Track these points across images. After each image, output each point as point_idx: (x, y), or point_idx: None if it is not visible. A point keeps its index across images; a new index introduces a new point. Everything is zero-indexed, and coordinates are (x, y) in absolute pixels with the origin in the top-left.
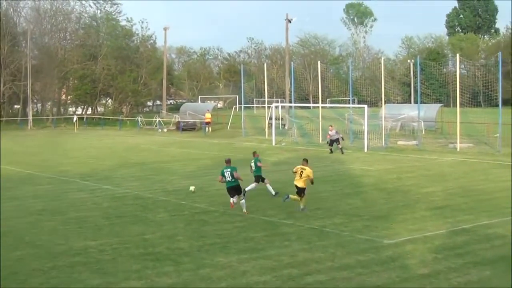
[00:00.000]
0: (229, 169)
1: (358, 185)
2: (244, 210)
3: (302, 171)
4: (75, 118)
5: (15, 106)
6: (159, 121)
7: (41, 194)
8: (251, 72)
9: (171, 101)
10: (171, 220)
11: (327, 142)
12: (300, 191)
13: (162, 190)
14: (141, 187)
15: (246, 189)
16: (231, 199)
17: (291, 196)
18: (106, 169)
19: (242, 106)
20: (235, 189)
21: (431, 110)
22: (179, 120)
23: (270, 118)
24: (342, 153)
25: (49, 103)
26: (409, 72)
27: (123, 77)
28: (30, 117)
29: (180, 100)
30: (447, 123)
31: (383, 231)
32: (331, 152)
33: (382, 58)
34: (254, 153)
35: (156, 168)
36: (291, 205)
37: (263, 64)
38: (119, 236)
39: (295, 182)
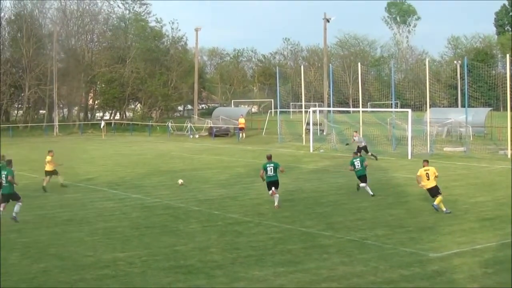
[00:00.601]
0: (272, 164)
1: (401, 195)
2: (276, 203)
3: (427, 173)
4: (102, 123)
5: (41, 111)
6: (190, 126)
7: (68, 203)
8: (287, 74)
9: (202, 105)
10: (203, 231)
11: (346, 143)
12: (434, 192)
13: (194, 199)
14: (172, 196)
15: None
16: (270, 191)
17: (437, 204)
18: (135, 178)
19: (278, 110)
20: (274, 183)
21: (480, 114)
22: (212, 125)
23: (308, 123)
24: (376, 159)
25: (76, 108)
26: (456, 74)
27: (153, 80)
28: (56, 123)
29: (212, 105)
30: (497, 128)
31: (428, 243)
32: (376, 159)
33: (427, 59)
34: (269, 156)
35: (188, 176)
36: (330, 215)
37: (300, 66)
38: (148, 248)
39: (425, 187)
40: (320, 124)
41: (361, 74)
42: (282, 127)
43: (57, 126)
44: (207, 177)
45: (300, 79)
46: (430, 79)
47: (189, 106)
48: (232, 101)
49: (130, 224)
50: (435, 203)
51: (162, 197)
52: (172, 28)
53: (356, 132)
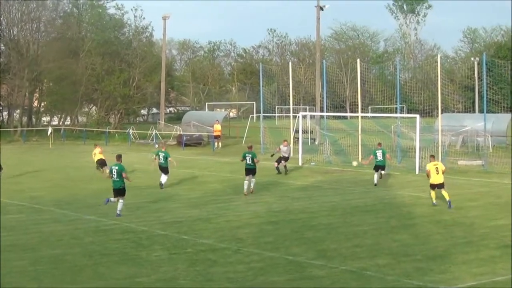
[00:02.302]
0: (250, 154)
1: (407, 217)
2: (252, 186)
3: (437, 167)
4: (50, 130)
5: None
6: (155, 134)
7: (9, 225)
8: (273, 72)
9: (171, 109)
10: (170, 260)
11: (272, 154)
12: (441, 187)
13: (159, 221)
14: (132, 217)
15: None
16: (245, 181)
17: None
18: (88, 195)
19: (261, 115)
20: (251, 171)
21: (501, 121)
22: (181, 133)
23: (296, 131)
24: (286, 173)
25: (18, 111)
26: (473, 73)
27: (111, 78)
28: None
29: (183, 108)
30: None
31: (439, 275)
32: (279, 172)
33: (439, 55)
34: (250, 146)
35: (152, 194)
36: (322, 240)
37: (288, 63)
38: (104, 279)
39: (433, 181)
40: (311, 132)
41: (360, 73)
42: (265, 135)
43: None
44: (175, 195)
45: (288, 78)
46: (442, 79)
47: (155, 110)
48: (206, 104)
49: (82, 251)
50: (447, 199)
51: (121, 219)
52: (135, 16)
53: (286, 141)
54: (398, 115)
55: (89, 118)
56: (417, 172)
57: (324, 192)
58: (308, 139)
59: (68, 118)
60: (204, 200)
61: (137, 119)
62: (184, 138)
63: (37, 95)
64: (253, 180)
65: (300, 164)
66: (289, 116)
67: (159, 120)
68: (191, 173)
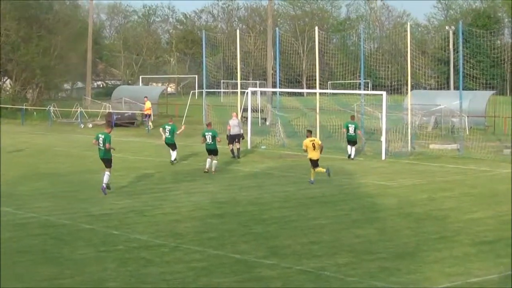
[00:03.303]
0: (210, 132)
1: (372, 209)
2: (213, 169)
3: (314, 144)
4: None
5: None
6: (81, 112)
7: None
8: (218, 41)
9: (99, 82)
10: (97, 259)
11: (226, 136)
12: (316, 164)
13: (85, 214)
14: (54, 209)
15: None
16: (208, 158)
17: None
18: (4, 183)
19: (204, 91)
20: (212, 151)
21: (479, 99)
22: (111, 111)
23: (245, 110)
24: (238, 157)
25: None
26: (448, 45)
27: (29, 47)
28: None
29: (113, 82)
30: (503, 118)
31: (407, 275)
32: (234, 156)
33: (408, 24)
34: (208, 124)
35: (77, 182)
36: (273, 236)
37: (235, 31)
38: (22, 281)
39: (310, 156)
40: (262, 111)
41: (318, 43)
42: (209, 114)
43: None
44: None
45: (235, 48)
46: (412, 51)
47: (80, 84)
48: (140, 77)
49: None
50: (317, 170)
51: (40, 211)
52: None
53: (235, 113)
54: (362, 92)
55: (3, 93)
56: (383, 157)
57: (276, 181)
58: (258, 119)
59: None
60: (137, 189)
61: (59, 94)
62: (115, 117)
63: None
64: (215, 162)
65: (249, 147)
66: (237, 92)
67: (85, 95)
68: (122, 158)
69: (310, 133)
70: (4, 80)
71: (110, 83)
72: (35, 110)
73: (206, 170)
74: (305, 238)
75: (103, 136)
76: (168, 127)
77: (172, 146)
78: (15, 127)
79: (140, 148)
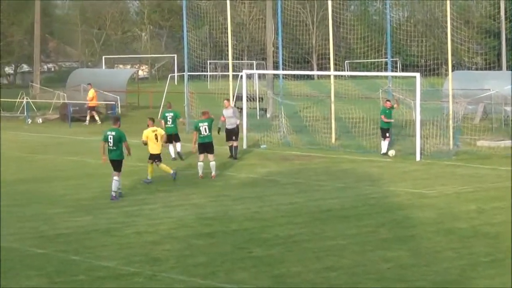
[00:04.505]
0: (206, 123)
1: (404, 224)
2: (213, 173)
3: (156, 135)
4: None
5: None
6: (27, 103)
7: None
8: (202, 10)
9: (50, 65)
10: None
11: (218, 129)
12: (158, 158)
13: (35, 234)
14: None
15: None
16: (199, 162)
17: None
18: None
19: (186, 74)
20: (208, 146)
21: None
22: (66, 101)
23: (239, 98)
24: (235, 157)
25: None
26: (498, 12)
27: None
28: None
29: (68, 64)
30: None
31: None
32: (232, 156)
33: None
34: (206, 112)
35: (25, 193)
36: (278, 261)
37: None
38: None
39: (152, 151)
40: (261, 100)
41: (332, 11)
42: (193, 104)
43: None
44: (58, 195)
45: (225, 19)
46: (453, 21)
47: (26, 67)
48: (103, 57)
49: None
50: (170, 172)
51: None
52: None
53: (227, 101)
54: (389, 73)
55: None
56: (417, 158)
57: (280, 189)
58: (256, 110)
59: None
60: (101, 202)
61: None
62: (71, 109)
63: None
64: (213, 162)
65: (244, 147)
66: (228, 76)
67: (32, 82)
68: (81, 162)
69: (152, 121)
70: None
71: (64, 66)
72: None
73: (202, 176)
74: (319, 263)
75: (114, 133)
76: (169, 114)
77: (176, 137)
78: None
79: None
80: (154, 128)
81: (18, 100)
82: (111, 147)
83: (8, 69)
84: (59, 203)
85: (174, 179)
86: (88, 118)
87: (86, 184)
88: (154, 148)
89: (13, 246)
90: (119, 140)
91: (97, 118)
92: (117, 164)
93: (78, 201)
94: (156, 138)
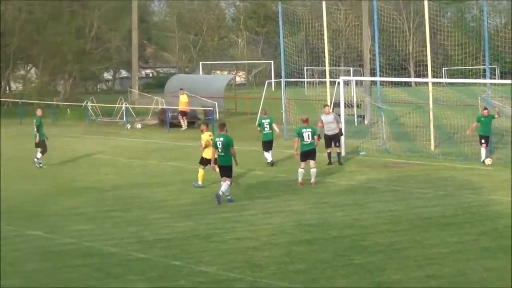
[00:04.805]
0: (309, 129)
1: (506, 233)
2: (312, 180)
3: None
4: None
5: None
6: (126, 108)
7: None
8: (298, 17)
9: (148, 71)
10: None
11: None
12: (207, 162)
13: (137, 239)
14: (97, 233)
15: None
16: (300, 169)
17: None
18: (30, 200)
19: (283, 81)
20: (310, 154)
21: None
22: (165, 107)
23: (336, 104)
24: (340, 163)
25: None
26: None
27: (58, 26)
28: None
29: (166, 70)
30: None
31: None
32: (330, 163)
33: None
34: (305, 119)
35: (124, 198)
36: (379, 268)
37: (320, 3)
38: None
39: (206, 155)
40: (359, 106)
41: (429, 18)
42: (290, 110)
43: None
44: (158, 200)
45: (321, 25)
46: None
47: (124, 73)
48: (200, 63)
49: (22, 283)
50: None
51: (79, 236)
52: None
53: (327, 106)
54: (488, 81)
55: (27, 85)
56: None
57: (380, 197)
58: (354, 117)
59: None
60: (201, 207)
61: (98, 86)
62: (170, 115)
63: None
64: (314, 169)
65: (343, 153)
66: (325, 83)
67: (130, 88)
68: (180, 167)
69: (204, 126)
70: (28, 68)
71: (162, 72)
72: (68, 106)
73: (301, 182)
74: (420, 272)
75: (222, 139)
76: (266, 121)
77: (271, 144)
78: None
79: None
80: (210, 133)
81: (117, 105)
82: (220, 153)
83: (107, 75)
84: (160, 208)
85: (196, 186)
86: (184, 123)
87: (186, 189)
88: (209, 153)
89: (113, 250)
90: (227, 145)
91: (182, 123)
92: (226, 170)
93: (178, 206)
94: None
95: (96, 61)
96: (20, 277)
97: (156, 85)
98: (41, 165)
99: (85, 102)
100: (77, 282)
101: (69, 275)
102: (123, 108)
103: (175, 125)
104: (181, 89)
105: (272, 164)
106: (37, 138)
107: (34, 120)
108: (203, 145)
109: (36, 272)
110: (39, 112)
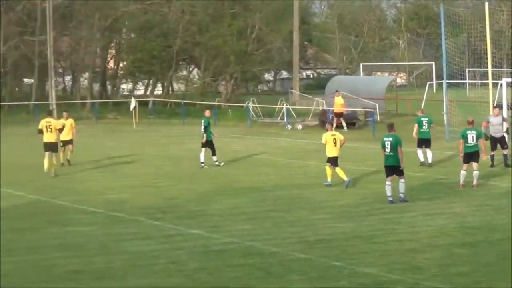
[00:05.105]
0: (474, 132)
1: None
2: (474, 182)
3: (335, 139)
4: (133, 103)
5: (26, 80)
6: (287, 109)
7: (75, 242)
8: (460, 18)
9: (309, 72)
10: None
11: (485, 137)
12: (335, 162)
13: (297, 239)
14: (258, 233)
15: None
16: (462, 171)
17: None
18: (192, 199)
19: (444, 82)
20: (473, 156)
21: None
22: (325, 108)
23: (498, 106)
24: (508, 165)
25: (86, 76)
26: None
27: (220, 27)
28: (52, 99)
29: (326, 71)
30: None
31: None
32: (492, 165)
33: None
34: (471, 121)
35: (285, 198)
36: None
37: (482, 4)
38: None
39: (330, 154)
40: None
41: None
42: (452, 112)
43: (55, 105)
44: (319, 201)
45: (483, 27)
46: None
47: (285, 74)
48: (361, 64)
49: (184, 282)
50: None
51: (240, 235)
52: None
53: (496, 108)
54: None
55: (189, 86)
56: None
57: None
58: None
59: (159, 85)
60: (362, 208)
61: (259, 87)
62: (330, 116)
63: (113, 51)
64: (477, 171)
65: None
66: (487, 84)
67: (291, 88)
68: (341, 168)
69: (331, 126)
70: (190, 69)
71: (322, 73)
72: (229, 107)
73: (463, 184)
74: None
75: (391, 139)
76: (425, 119)
77: (428, 142)
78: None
79: (364, 156)
80: (333, 132)
81: (278, 106)
82: (389, 153)
83: (268, 76)
84: (320, 209)
85: (346, 187)
86: (344, 124)
87: (346, 190)
88: (332, 151)
89: (274, 250)
90: (396, 145)
91: (344, 124)
92: (395, 170)
93: (339, 207)
94: (335, 142)
95: (257, 62)
96: (182, 276)
97: (317, 86)
98: (217, 163)
99: (246, 103)
100: (238, 281)
101: (230, 274)
102: (284, 109)
103: (336, 126)
104: (336, 91)
105: (426, 164)
106: (204, 138)
107: (202, 121)
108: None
109: (198, 270)
110: (207, 113)
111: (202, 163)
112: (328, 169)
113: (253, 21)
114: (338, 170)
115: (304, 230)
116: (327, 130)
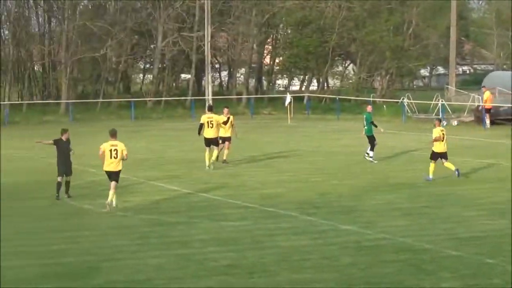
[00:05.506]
0: None
1: None
2: None
3: (443, 134)
4: (288, 99)
5: (183, 75)
6: (442, 105)
7: (228, 237)
8: None
9: (465, 68)
10: None
11: None
12: (444, 156)
13: (450, 236)
14: (411, 229)
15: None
16: None
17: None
18: (345, 195)
19: None
20: None
21: None
22: (481, 104)
23: None
24: None
25: (243, 71)
26: None
27: (376, 23)
28: (209, 95)
29: (483, 67)
30: None
31: None
32: None
33: None
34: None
35: (437, 194)
36: None
37: None
38: None
39: (437, 149)
40: None
41: None
42: None
43: (211, 100)
44: (472, 198)
45: None
46: None
47: (441, 70)
48: None
49: (337, 277)
50: (453, 168)
51: (394, 231)
52: None
53: None
54: None
55: (344, 82)
56: None
57: None
58: None
59: (314, 81)
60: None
61: (414, 83)
62: (485, 112)
63: (269, 47)
64: None
65: None
66: None
67: (447, 84)
68: (496, 166)
69: (439, 121)
70: (346, 65)
71: (479, 69)
72: (384, 102)
73: None
74: None
75: None
76: None
77: None
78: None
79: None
80: (442, 127)
81: (433, 102)
82: None
83: (424, 72)
84: (474, 206)
85: (458, 176)
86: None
87: (500, 187)
88: (441, 147)
89: (427, 247)
90: None
91: (488, 121)
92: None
93: (492, 204)
94: (443, 138)
95: (414, 58)
96: (334, 271)
97: (473, 82)
98: (372, 160)
99: (401, 98)
100: (390, 277)
101: (382, 270)
102: (439, 104)
103: (492, 122)
104: (483, 86)
105: None
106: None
107: (364, 116)
108: (433, 139)
109: (350, 266)
110: (369, 108)
111: (371, 157)
112: (432, 165)
113: (410, 17)
114: (447, 164)
115: (456, 226)
116: (435, 126)
